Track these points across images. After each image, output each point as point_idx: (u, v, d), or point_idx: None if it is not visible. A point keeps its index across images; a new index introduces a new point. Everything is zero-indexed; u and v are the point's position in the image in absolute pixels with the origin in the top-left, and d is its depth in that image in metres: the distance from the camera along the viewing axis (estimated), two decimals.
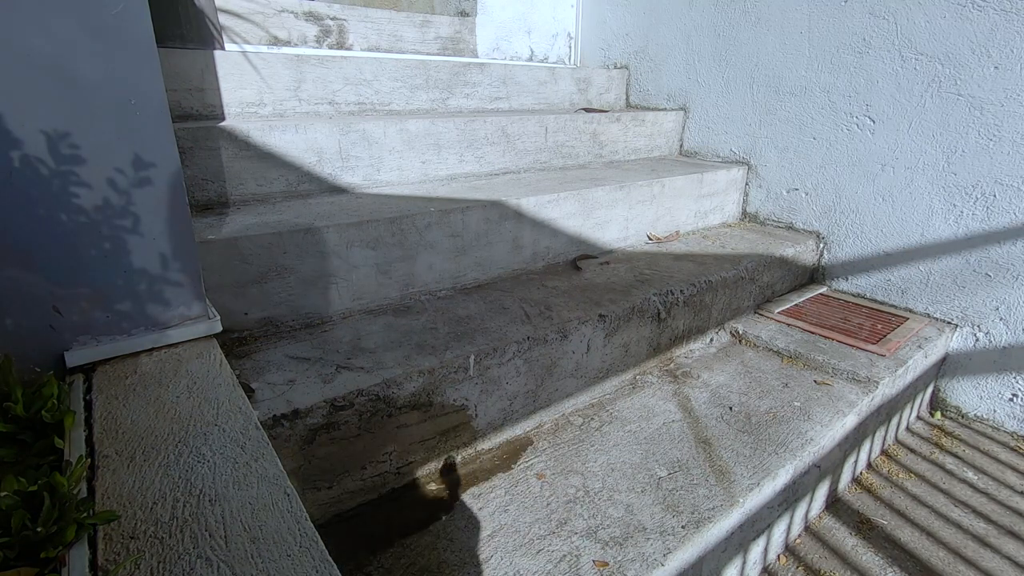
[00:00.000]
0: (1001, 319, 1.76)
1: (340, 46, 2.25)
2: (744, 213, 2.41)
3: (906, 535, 1.40)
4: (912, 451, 1.73)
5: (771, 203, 2.30)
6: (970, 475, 1.62)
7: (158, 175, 0.91)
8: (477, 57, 2.65)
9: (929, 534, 1.40)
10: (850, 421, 1.45)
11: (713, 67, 2.38)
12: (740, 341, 1.83)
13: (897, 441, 1.78)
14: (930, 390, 1.94)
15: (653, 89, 2.64)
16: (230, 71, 1.65)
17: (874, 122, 1.94)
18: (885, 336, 1.77)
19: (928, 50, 1.78)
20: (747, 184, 2.36)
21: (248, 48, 1.97)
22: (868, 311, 1.96)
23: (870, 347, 1.70)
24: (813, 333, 1.81)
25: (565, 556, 0.99)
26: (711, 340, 1.83)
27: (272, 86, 1.74)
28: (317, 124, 1.58)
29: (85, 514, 0.59)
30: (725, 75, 2.34)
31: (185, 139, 1.37)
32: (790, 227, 2.25)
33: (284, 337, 1.26)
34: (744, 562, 1.23)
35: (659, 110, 2.56)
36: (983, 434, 1.80)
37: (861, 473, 1.62)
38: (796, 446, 1.31)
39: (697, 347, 1.78)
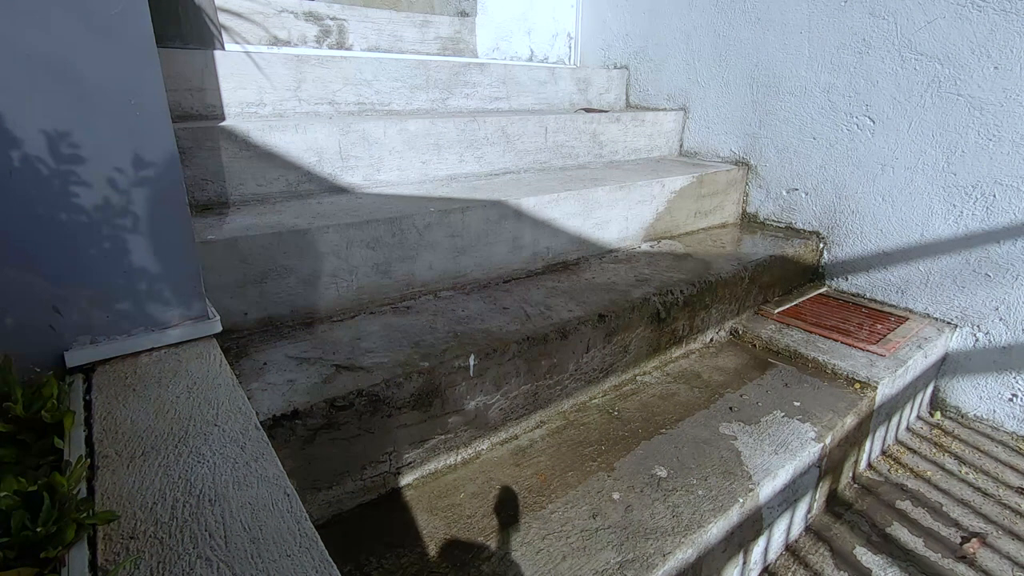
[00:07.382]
0: (1001, 319, 1.77)
1: (340, 46, 2.25)
2: (744, 213, 2.41)
3: (906, 535, 1.40)
4: (912, 451, 1.73)
5: (771, 203, 2.30)
6: (970, 475, 1.62)
7: (158, 175, 0.91)
8: (477, 57, 2.66)
9: (929, 533, 1.40)
10: (850, 421, 1.45)
11: (713, 67, 2.38)
12: (740, 341, 1.83)
13: (897, 441, 1.78)
14: (930, 390, 1.94)
15: (653, 89, 2.64)
16: (230, 71, 1.65)
17: (874, 122, 1.94)
18: (885, 336, 1.77)
19: (928, 50, 1.78)
20: (747, 184, 2.36)
21: (248, 48, 1.97)
22: (868, 311, 1.96)
23: (870, 347, 1.70)
24: (813, 333, 1.81)
25: (565, 556, 0.99)
26: (711, 340, 1.83)
27: (272, 86, 1.73)
28: (317, 124, 1.58)
29: (85, 514, 0.59)
30: (725, 75, 2.34)
31: (185, 139, 1.37)
32: (790, 227, 2.25)
33: (284, 337, 1.26)
34: (744, 562, 1.23)
35: (659, 110, 2.56)
36: (983, 434, 1.80)
37: (861, 473, 1.62)
38: (796, 446, 1.31)
39: (697, 347, 1.78)
